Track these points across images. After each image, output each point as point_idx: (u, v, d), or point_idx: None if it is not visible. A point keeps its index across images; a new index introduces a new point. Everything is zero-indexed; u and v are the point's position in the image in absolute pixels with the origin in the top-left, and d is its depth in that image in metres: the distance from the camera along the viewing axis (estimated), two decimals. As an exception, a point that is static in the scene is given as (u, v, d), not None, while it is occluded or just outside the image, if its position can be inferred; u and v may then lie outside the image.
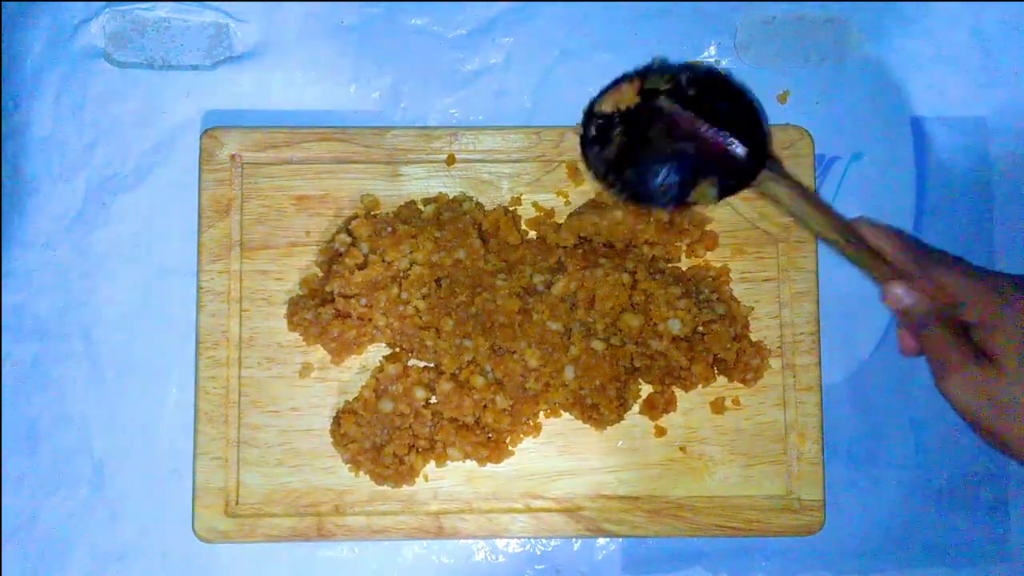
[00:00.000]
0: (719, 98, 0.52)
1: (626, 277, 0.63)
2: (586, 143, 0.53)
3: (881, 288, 0.49)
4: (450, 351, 0.63)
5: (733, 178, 0.50)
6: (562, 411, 0.65)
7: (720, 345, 0.63)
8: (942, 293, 0.48)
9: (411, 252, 0.63)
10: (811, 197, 0.50)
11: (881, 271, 0.49)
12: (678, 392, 0.66)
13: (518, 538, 0.68)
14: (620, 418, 0.64)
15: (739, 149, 0.50)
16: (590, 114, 0.53)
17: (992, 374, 0.45)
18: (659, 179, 0.52)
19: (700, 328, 0.63)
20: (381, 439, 0.63)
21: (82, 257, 0.70)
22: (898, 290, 0.49)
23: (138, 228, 0.70)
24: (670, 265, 0.67)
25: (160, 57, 0.71)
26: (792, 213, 0.50)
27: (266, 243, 0.67)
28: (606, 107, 0.53)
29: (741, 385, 0.66)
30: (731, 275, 0.67)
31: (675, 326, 0.62)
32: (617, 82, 0.53)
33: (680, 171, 0.52)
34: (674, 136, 0.51)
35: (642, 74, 0.52)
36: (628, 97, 0.53)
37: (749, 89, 0.52)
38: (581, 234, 0.65)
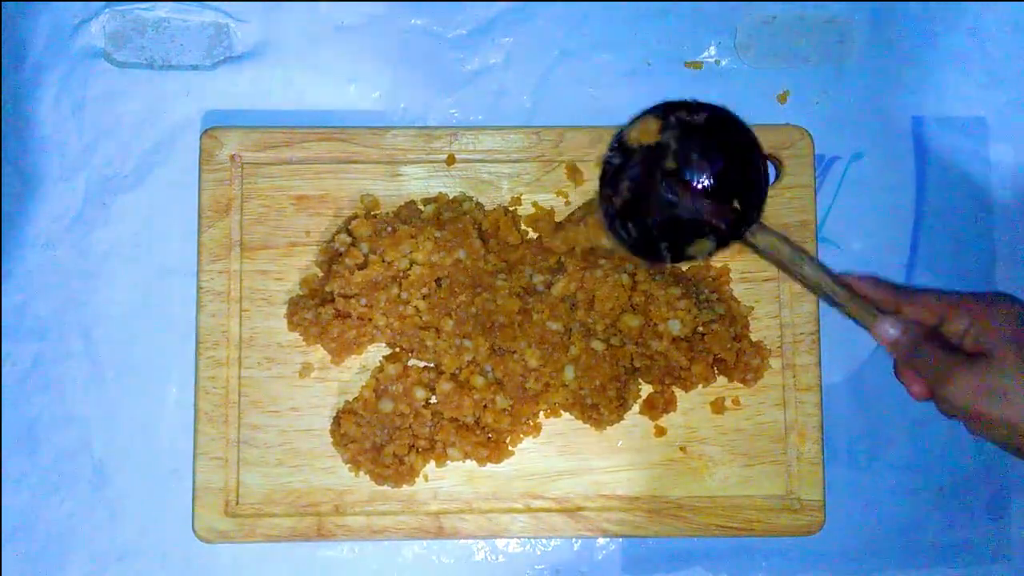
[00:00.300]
0: (723, 147, 0.55)
1: (626, 278, 0.63)
2: (605, 178, 0.56)
3: (871, 329, 0.53)
4: (450, 351, 0.63)
5: (729, 233, 0.54)
6: (562, 411, 0.65)
7: (720, 345, 0.63)
8: (927, 313, 0.52)
9: (411, 252, 0.63)
10: (803, 249, 0.54)
11: (866, 312, 0.53)
12: (678, 392, 0.66)
13: (518, 538, 0.68)
14: (620, 418, 0.64)
15: (736, 206, 0.54)
16: (614, 144, 0.55)
17: (991, 367, 0.48)
18: (658, 239, 0.55)
19: (700, 328, 0.63)
20: (381, 439, 0.63)
21: (82, 257, 0.70)
22: (885, 324, 0.53)
23: (138, 228, 0.70)
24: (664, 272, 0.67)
25: (160, 57, 0.71)
26: (784, 264, 0.54)
27: (266, 243, 0.67)
28: (631, 137, 0.55)
29: (741, 385, 0.66)
30: (731, 275, 0.67)
31: (675, 326, 0.62)
32: (644, 114, 0.55)
33: (678, 231, 0.55)
34: (675, 194, 0.55)
35: (664, 111, 0.55)
36: (651, 133, 0.55)
37: (755, 138, 0.54)
38: (574, 246, 0.65)
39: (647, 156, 0.55)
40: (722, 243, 0.55)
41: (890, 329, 0.53)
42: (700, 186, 0.55)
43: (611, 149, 0.55)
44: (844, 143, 0.71)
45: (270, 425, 0.66)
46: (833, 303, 0.54)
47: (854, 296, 0.53)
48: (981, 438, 0.51)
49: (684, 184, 0.55)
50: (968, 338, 0.51)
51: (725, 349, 0.63)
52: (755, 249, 0.55)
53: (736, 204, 0.55)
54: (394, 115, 0.71)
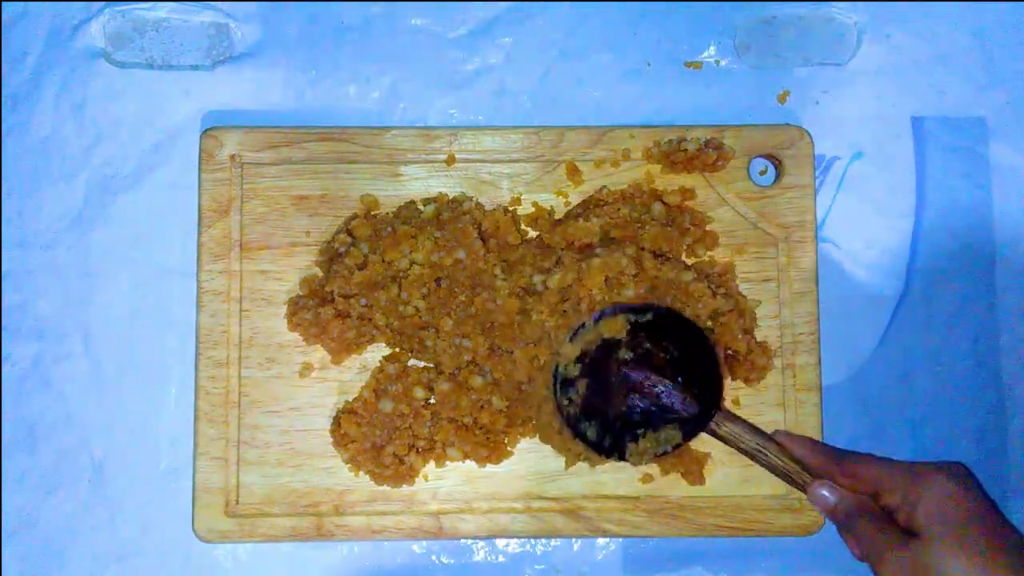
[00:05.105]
0: (676, 340, 0.59)
1: (625, 261, 0.61)
2: (558, 386, 0.60)
3: (807, 492, 0.55)
4: (449, 351, 0.63)
5: (693, 421, 0.59)
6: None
7: (731, 337, 0.63)
8: (861, 483, 0.53)
9: (411, 252, 0.63)
10: (768, 436, 0.58)
11: (803, 478, 0.55)
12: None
13: (518, 538, 0.68)
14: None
15: (691, 408, 0.59)
16: (563, 359, 0.60)
17: (922, 550, 0.48)
18: (621, 434, 0.59)
19: (708, 323, 0.63)
20: (381, 439, 0.63)
21: (82, 257, 0.70)
22: (822, 490, 0.54)
23: (138, 228, 0.70)
24: (671, 260, 0.66)
25: (160, 57, 0.71)
26: (748, 453, 0.59)
27: (266, 243, 0.67)
28: (574, 349, 0.59)
29: (742, 385, 0.66)
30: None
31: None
32: (601, 317, 0.59)
33: (640, 424, 0.59)
34: (631, 392, 0.59)
35: (615, 312, 0.59)
36: (617, 328, 0.59)
37: (705, 334, 0.60)
38: (575, 242, 0.65)
39: (603, 354, 0.59)
40: (687, 434, 0.59)
41: (829, 496, 0.54)
42: (660, 375, 0.59)
43: (561, 360, 0.59)
44: (844, 143, 0.71)
45: (270, 425, 0.66)
46: (772, 470, 0.57)
47: (793, 461, 0.56)
48: None
49: (645, 368, 0.59)
50: (901, 513, 0.50)
51: (736, 341, 0.63)
52: (719, 438, 0.58)
53: (695, 393, 0.59)
54: (394, 115, 0.71)
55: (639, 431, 0.59)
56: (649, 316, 0.59)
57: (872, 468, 0.53)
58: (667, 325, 0.60)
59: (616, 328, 0.59)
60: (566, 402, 0.60)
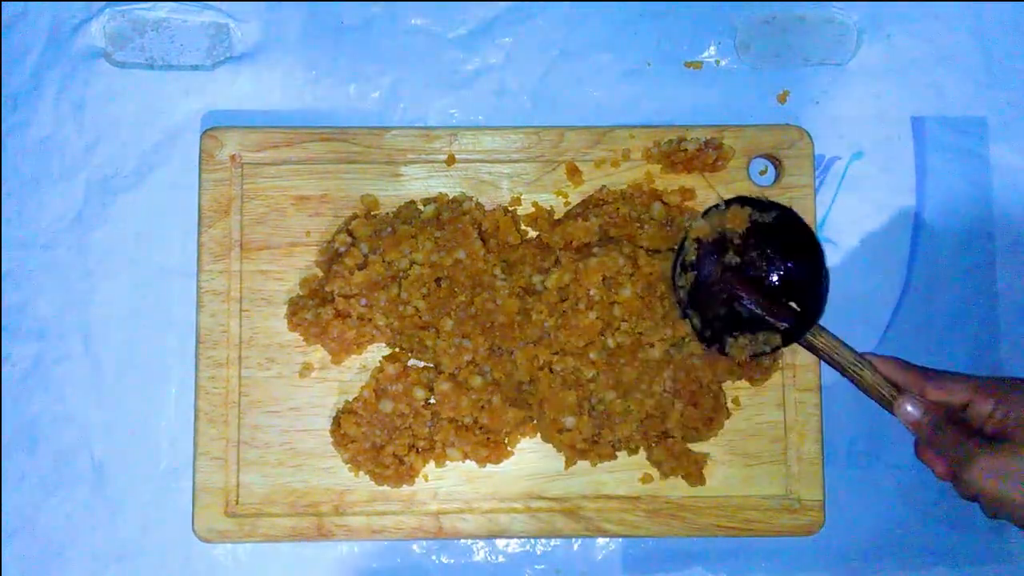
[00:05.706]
0: (787, 248, 0.61)
1: (622, 260, 0.61)
2: (675, 270, 0.62)
3: (894, 407, 0.56)
4: (449, 351, 0.63)
5: (790, 332, 0.60)
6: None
7: None
8: (953, 394, 0.55)
9: (411, 252, 0.63)
10: (843, 345, 0.60)
11: (892, 393, 0.57)
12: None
13: (518, 538, 0.68)
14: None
15: (785, 323, 0.60)
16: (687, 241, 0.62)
17: (1010, 450, 0.50)
18: (721, 332, 0.61)
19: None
20: (381, 439, 0.63)
21: (82, 257, 0.70)
22: (907, 405, 0.56)
23: (138, 228, 0.70)
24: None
25: (160, 57, 0.71)
26: (843, 367, 0.59)
27: (266, 243, 0.67)
28: (704, 226, 0.61)
29: (742, 385, 0.66)
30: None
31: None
32: (725, 205, 0.62)
33: (738, 326, 0.61)
34: (736, 289, 0.61)
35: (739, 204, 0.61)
36: (741, 221, 0.62)
37: (820, 244, 0.61)
38: (573, 241, 0.64)
39: (713, 250, 0.61)
40: (786, 340, 0.60)
41: (914, 410, 0.55)
42: (761, 283, 0.61)
43: (683, 243, 0.61)
44: (844, 143, 0.71)
45: (270, 425, 0.66)
46: (862, 386, 0.58)
47: (882, 378, 0.57)
48: (999, 519, 0.53)
49: (746, 280, 0.61)
50: (991, 422, 0.53)
51: None
52: (815, 351, 0.60)
53: (795, 305, 0.60)
54: (394, 115, 0.71)
55: (738, 332, 0.61)
56: (770, 217, 0.61)
57: (965, 380, 0.55)
58: (781, 231, 0.61)
59: (740, 220, 0.61)
60: (680, 285, 0.61)
